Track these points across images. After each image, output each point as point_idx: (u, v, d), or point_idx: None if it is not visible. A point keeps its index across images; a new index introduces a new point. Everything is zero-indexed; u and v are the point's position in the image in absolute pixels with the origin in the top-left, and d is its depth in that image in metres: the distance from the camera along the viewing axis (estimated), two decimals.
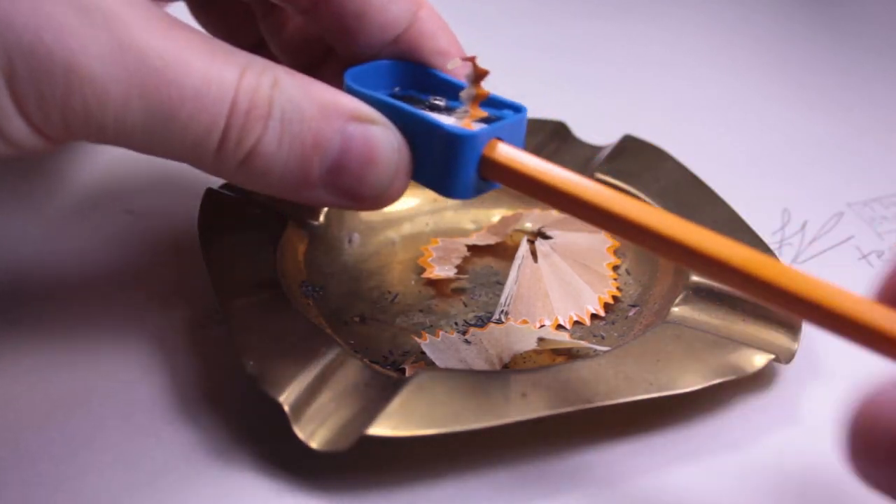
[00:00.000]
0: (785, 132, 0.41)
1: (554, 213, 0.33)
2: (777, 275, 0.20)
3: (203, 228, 0.30)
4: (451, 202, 0.34)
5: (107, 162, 0.37)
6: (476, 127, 0.24)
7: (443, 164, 0.24)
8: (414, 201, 0.34)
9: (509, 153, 0.24)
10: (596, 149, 0.36)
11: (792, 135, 0.41)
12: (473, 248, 0.32)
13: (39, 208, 0.35)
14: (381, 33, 0.26)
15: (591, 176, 0.33)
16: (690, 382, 0.25)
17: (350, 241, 0.33)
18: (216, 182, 0.32)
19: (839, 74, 0.46)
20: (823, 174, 0.38)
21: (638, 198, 0.32)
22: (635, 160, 0.34)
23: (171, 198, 0.35)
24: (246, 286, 0.28)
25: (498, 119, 0.24)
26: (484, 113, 0.25)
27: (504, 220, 0.33)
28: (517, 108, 0.25)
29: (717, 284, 0.29)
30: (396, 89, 0.27)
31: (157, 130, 0.21)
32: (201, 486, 0.24)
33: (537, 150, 0.34)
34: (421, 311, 0.30)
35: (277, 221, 0.31)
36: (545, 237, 0.32)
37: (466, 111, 0.25)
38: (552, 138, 0.35)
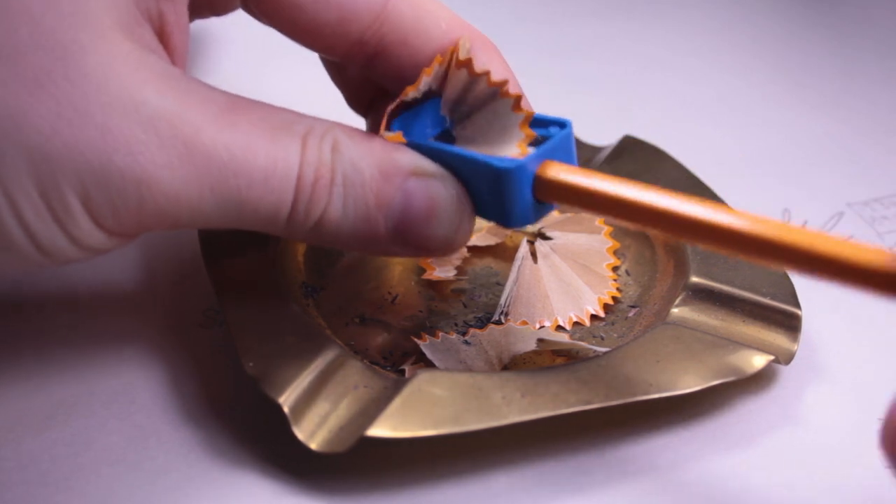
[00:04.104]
0: (785, 132, 0.41)
1: (554, 214, 0.33)
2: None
3: (203, 228, 0.30)
4: None
5: None
6: (528, 150, 0.24)
7: (498, 197, 0.24)
8: None
9: (560, 174, 0.24)
10: (596, 149, 0.36)
11: (792, 135, 0.41)
12: (473, 249, 0.32)
13: None
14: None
15: None
16: (690, 383, 0.25)
17: None
18: None
19: (839, 74, 0.46)
20: (823, 174, 0.38)
21: None
22: (635, 160, 0.34)
23: None
24: (246, 287, 0.28)
25: (545, 139, 0.24)
26: (533, 134, 0.24)
27: None
28: (562, 124, 0.25)
29: (717, 285, 0.29)
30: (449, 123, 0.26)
31: (229, 216, 0.22)
32: (201, 487, 0.24)
33: None
34: (421, 312, 0.30)
35: None
36: (545, 238, 0.32)
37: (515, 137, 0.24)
38: None
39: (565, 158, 0.25)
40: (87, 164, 0.20)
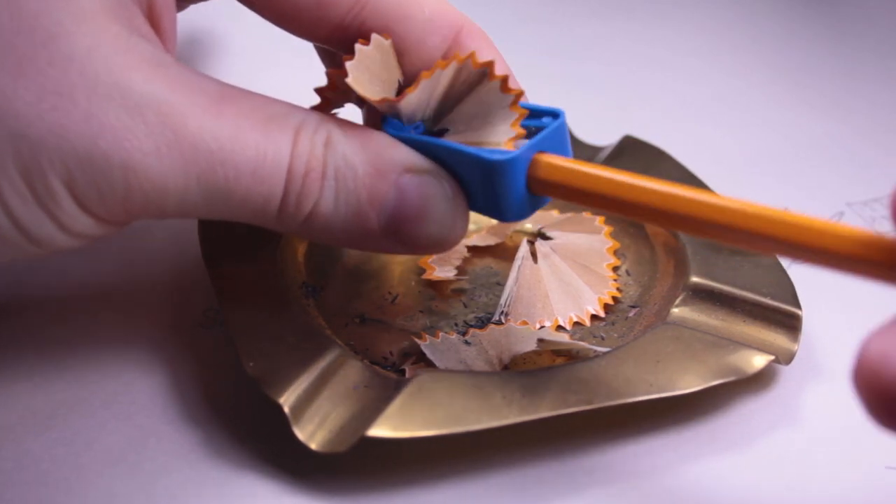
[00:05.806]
0: (785, 132, 0.41)
1: (554, 214, 0.33)
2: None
3: (203, 228, 0.30)
4: None
5: None
6: (519, 143, 0.24)
7: (492, 191, 0.24)
8: None
9: (554, 165, 0.23)
10: (596, 149, 0.36)
11: (792, 135, 0.41)
12: (473, 249, 0.32)
13: None
14: (422, 63, 0.26)
15: None
16: (690, 383, 0.25)
17: None
18: None
19: (839, 74, 0.46)
20: (823, 174, 0.38)
21: None
22: (635, 160, 0.34)
23: None
24: (246, 286, 0.28)
25: (538, 130, 0.24)
26: (524, 111, 0.24)
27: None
28: (555, 114, 0.25)
29: (717, 285, 0.29)
30: None
31: (217, 206, 0.22)
32: (201, 487, 0.24)
33: None
34: (421, 312, 0.30)
35: None
36: (545, 238, 0.32)
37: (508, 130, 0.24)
38: None
39: (559, 149, 0.24)
40: (71, 149, 0.20)
